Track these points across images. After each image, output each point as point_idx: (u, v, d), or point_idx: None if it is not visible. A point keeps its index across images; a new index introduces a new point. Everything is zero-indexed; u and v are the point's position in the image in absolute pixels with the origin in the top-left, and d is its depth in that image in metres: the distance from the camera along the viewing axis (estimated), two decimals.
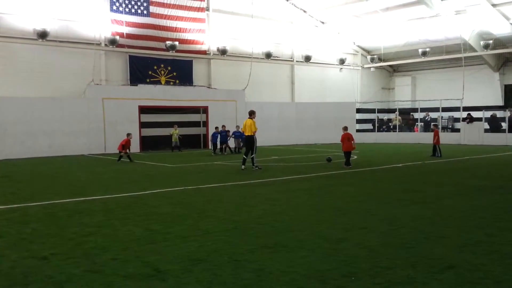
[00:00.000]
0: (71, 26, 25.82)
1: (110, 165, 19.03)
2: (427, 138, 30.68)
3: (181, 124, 27.18)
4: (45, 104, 23.87)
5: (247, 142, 16.64)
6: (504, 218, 8.12)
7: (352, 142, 17.20)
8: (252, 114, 16.66)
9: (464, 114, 31.02)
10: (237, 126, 26.39)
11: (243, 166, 16.12)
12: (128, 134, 21.00)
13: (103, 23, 26.58)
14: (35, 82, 24.63)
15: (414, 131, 33.85)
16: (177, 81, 29.01)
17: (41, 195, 11.17)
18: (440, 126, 31.50)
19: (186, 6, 29.15)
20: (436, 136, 21.18)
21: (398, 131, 33.74)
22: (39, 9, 24.65)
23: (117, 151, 20.91)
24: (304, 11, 34.55)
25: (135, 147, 26.08)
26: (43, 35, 24.25)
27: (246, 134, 16.59)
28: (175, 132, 26.21)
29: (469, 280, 5.01)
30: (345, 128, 18.05)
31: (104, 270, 5.49)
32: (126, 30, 27.18)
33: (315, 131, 32.76)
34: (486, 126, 30.38)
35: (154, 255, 6.03)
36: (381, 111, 36.31)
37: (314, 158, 20.64)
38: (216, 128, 25.28)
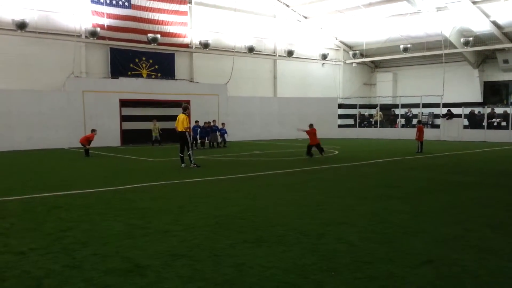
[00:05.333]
0: (51, 17, 25.43)
1: (90, 159, 18.84)
2: (408, 134, 31.15)
3: (163, 118, 26.94)
4: (24, 97, 23.51)
5: (180, 139, 15.56)
6: (482, 213, 8.24)
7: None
8: (186, 109, 15.66)
9: (444, 110, 31.39)
10: (214, 120, 26.34)
11: (183, 165, 15.39)
12: (93, 130, 20.70)
13: (84, 14, 26.24)
14: (14, 74, 24.22)
15: (394, 127, 34.19)
16: (159, 75, 28.82)
17: (19, 189, 11.01)
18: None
19: None
20: (420, 132, 21.37)
21: (380, 127, 34.01)
22: None
23: (81, 144, 20.13)
24: (287, 6, 34.54)
25: (116, 141, 25.95)
26: (22, 26, 23.84)
27: (179, 130, 15.42)
28: (155, 126, 26.10)
29: (447, 274, 5.08)
30: (311, 125, 19.19)
31: (83, 265, 5.44)
32: (107, 22, 26.85)
33: (297, 126, 32.76)
34: (466, 122, 30.81)
35: (134, 250, 5.99)
36: (362, 106, 36.57)
37: (295, 153, 20.70)
38: (196, 121, 25.14)
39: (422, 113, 33.40)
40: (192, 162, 15.36)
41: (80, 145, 20.62)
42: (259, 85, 33.98)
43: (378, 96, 37.88)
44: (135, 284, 4.86)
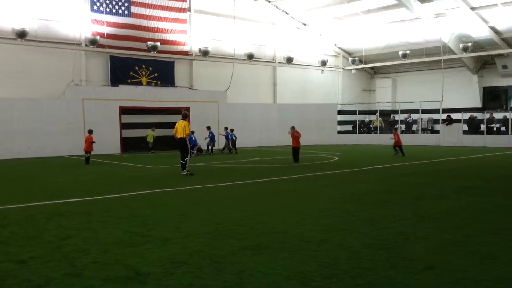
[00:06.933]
0: (51, 26, 25.49)
1: (90, 166, 18.82)
2: (408, 139, 31.29)
3: (163, 125, 26.99)
4: (24, 105, 23.53)
5: (181, 145, 15.47)
6: (482, 219, 8.23)
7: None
8: (186, 116, 15.68)
9: (444, 116, 31.42)
10: (226, 128, 26.52)
11: (183, 171, 15.28)
12: (91, 131, 20.46)
13: (84, 23, 26.30)
14: (14, 82, 24.24)
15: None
16: (159, 82, 28.85)
17: (19, 197, 11.00)
18: (406, 127, 32.45)
19: (167, 6, 29.01)
20: (396, 137, 22.64)
21: (379, 133, 34.02)
22: (18, 8, 24.28)
23: (85, 152, 19.87)
24: (286, 13, 34.63)
25: (116, 148, 25.95)
26: (22, 34, 23.88)
27: (178, 136, 15.32)
28: (151, 133, 26.22)
29: (448, 280, 5.07)
30: (293, 128, 19.92)
31: (84, 273, 5.43)
32: (106, 30, 26.92)
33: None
34: (465, 127, 30.82)
35: (134, 258, 5.98)
36: (362, 112, 36.58)
37: None
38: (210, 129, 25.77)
39: (422, 118, 33.47)
40: (186, 169, 15.25)
41: (81, 153, 20.54)
42: (258, 92, 34.02)
43: (377, 102, 37.92)
44: None
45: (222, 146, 27.13)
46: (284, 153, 25.03)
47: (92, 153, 20.17)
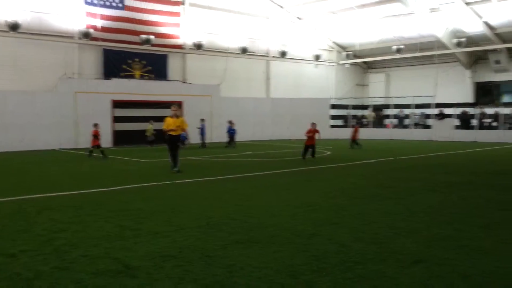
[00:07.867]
0: (44, 18, 25.29)
1: (82, 160, 18.74)
2: (401, 134, 31.49)
3: (155, 119, 26.86)
4: (16, 98, 23.40)
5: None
6: (473, 213, 8.28)
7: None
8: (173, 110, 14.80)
9: (436, 111, 31.54)
10: (230, 121, 26.49)
11: (174, 169, 14.31)
12: (96, 124, 19.99)
13: (77, 15, 26.12)
14: (6, 75, 24.07)
15: (386, 127, 34.34)
16: (152, 76, 28.74)
17: (10, 191, 10.94)
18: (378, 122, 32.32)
19: None
20: (355, 132, 24.60)
21: (372, 127, 34.12)
22: (10, 0, 24.07)
23: (96, 147, 19.54)
24: (281, 7, 34.56)
25: (108, 141, 25.79)
26: (14, 27, 23.69)
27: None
28: (150, 127, 26.07)
29: (437, 274, 5.10)
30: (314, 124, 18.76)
31: (73, 267, 5.41)
32: (100, 23, 26.75)
33: (290, 126, 32.87)
34: (457, 122, 30.97)
35: (124, 252, 5.96)
36: (355, 107, 36.65)
37: (289, 154, 20.71)
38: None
39: (415, 113, 33.59)
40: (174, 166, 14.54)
41: (72, 147, 20.41)
42: (252, 86, 33.98)
43: (370, 96, 37.98)
44: (125, 285, 4.84)
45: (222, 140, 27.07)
46: (277, 147, 25.07)
47: (83, 146, 19.92)
